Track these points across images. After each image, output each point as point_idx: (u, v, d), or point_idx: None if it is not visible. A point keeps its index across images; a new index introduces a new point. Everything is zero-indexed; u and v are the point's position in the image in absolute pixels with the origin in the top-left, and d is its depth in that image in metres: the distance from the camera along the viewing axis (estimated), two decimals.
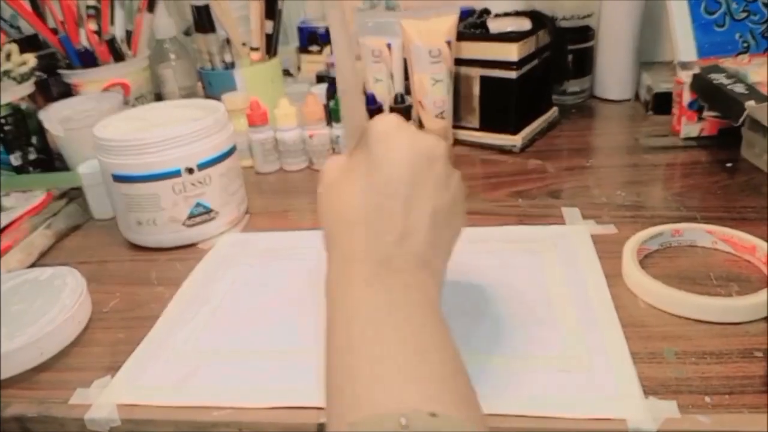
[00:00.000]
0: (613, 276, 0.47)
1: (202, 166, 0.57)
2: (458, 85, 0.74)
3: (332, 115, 0.72)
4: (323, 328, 0.45)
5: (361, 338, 0.30)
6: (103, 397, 0.41)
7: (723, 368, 0.38)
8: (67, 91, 0.82)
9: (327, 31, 0.91)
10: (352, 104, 0.40)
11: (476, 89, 0.74)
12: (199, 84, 0.86)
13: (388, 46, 0.73)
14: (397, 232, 0.34)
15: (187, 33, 1.01)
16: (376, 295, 0.32)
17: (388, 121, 0.36)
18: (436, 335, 0.31)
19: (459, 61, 0.73)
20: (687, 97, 0.68)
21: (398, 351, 0.29)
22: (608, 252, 0.50)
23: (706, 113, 0.67)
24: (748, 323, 0.41)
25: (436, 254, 0.36)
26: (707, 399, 0.36)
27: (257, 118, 0.72)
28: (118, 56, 0.82)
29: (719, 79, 0.64)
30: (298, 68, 0.96)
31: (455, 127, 0.76)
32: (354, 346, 0.30)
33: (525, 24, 0.72)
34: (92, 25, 0.80)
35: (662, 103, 0.77)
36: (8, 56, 0.75)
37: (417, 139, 0.36)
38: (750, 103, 0.57)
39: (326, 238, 0.37)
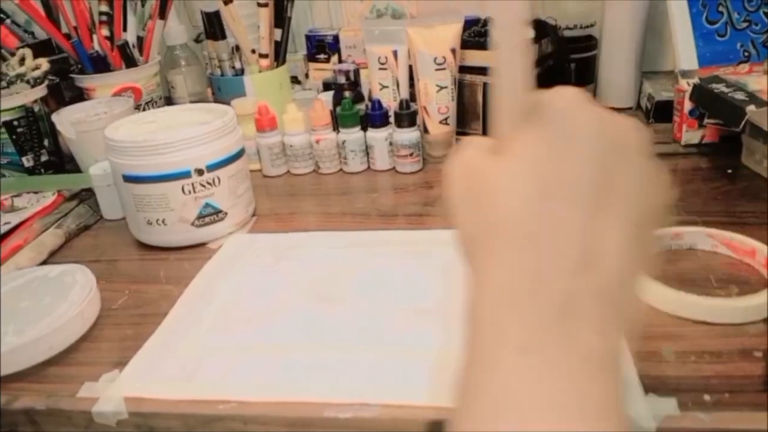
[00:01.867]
0: None
1: (212, 168, 0.58)
2: (463, 92, 0.75)
3: (338, 121, 0.73)
4: (330, 323, 0.46)
5: None
6: (111, 391, 0.41)
7: (722, 367, 0.38)
8: (79, 95, 0.83)
9: (335, 39, 0.92)
10: (510, 62, 0.28)
11: (480, 96, 0.75)
12: (209, 90, 0.87)
13: (394, 53, 0.74)
14: (575, 255, 0.23)
15: (197, 40, 1.03)
16: (537, 377, 0.21)
17: (569, 95, 0.26)
18: None
19: (463, 69, 0.74)
20: (688, 104, 0.69)
21: None
22: None
23: (706, 121, 0.68)
24: (748, 324, 0.42)
25: (630, 287, 0.24)
26: (707, 397, 0.36)
27: (265, 123, 0.73)
28: (130, 62, 0.83)
29: (719, 88, 0.64)
30: (306, 75, 0.98)
31: (459, 133, 0.77)
32: None
33: (529, 32, 0.73)
34: (105, 31, 0.82)
35: (663, 111, 0.78)
36: (22, 60, 0.77)
37: (609, 121, 0.25)
38: (750, 108, 0.58)
39: (466, 249, 0.27)
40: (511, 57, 0.28)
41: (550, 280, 0.23)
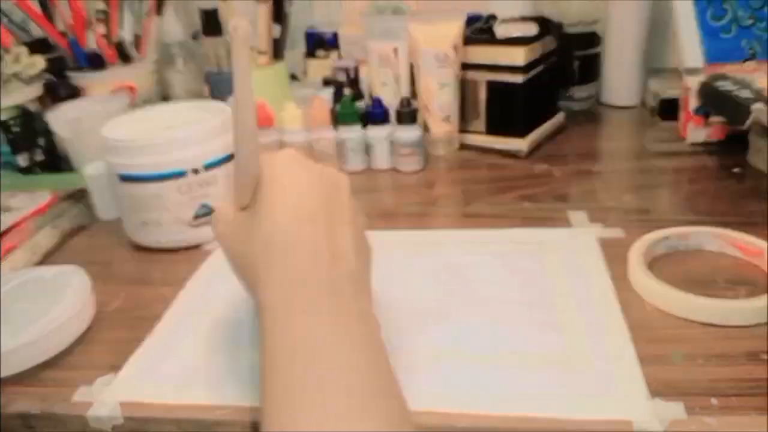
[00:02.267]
0: (620, 279, 0.47)
1: (208, 167, 0.57)
2: (465, 90, 0.74)
3: (338, 119, 0.72)
4: None
5: (303, 381, 0.28)
6: (106, 395, 0.41)
7: (730, 370, 0.38)
8: (75, 93, 0.83)
9: (334, 36, 0.91)
10: (248, 152, 0.35)
11: (483, 94, 0.74)
12: (206, 87, 0.87)
13: (395, 50, 0.73)
14: (328, 253, 0.33)
15: (194, 37, 1.02)
16: (319, 327, 0.30)
17: (286, 154, 0.36)
18: (382, 379, 0.30)
19: (466, 66, 0.73)
20: (693, 102, 0.68)
21: (343, 401, 0.28)
22: (615, 255, 0.50)
23: (712, 118, 0.67)
24: (755, 326, 0.41)
25: (366, 275, 0.36)
26: (714, 401, 0.35)
27: (264, 121, 0.72)
28: (126, 59, 0.82)
29: (725, 86, 0.64)
30: (305, 72, 0.97)
31: (462, 131, 0.76)
32: (295, 391, 0.28)
33: (531, 29, 0.72)
34: (101, 29, 0.81)
35: (669, 109, 0.77)
36: (18, 58, 0.76)
37: (320, 168, 0.36)
38: (756, 106, 0.57)
39: (247, 272, 0.35)
40: (245, 143, 0.35)
41: (316, 270, 0.32)
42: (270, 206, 0.34)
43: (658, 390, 0.36)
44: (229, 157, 0.59)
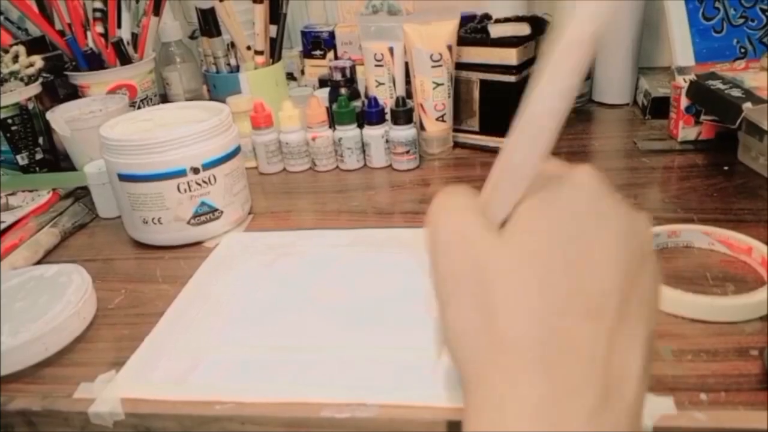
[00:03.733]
0: None
1: (207, 166, 0.57)
2: (459, 89, 0.75)
3: (334, 118, 0.73)
4: (326, 322, 0.46)
5: None
6: (107, 392, 0.41)
7: (719, 366, 0.38)
8: (74, 93, 0.83)
9: (330, 35, 0.92)
10: (534, 139, 0.24)
11: (476, 93, 0.74)
12: (204, 87, 0.87)
13: (390, 50, 0.74)
14: (598, 388, 0.20)
15: (192, 36, 1.02)
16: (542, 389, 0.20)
17: (589, 177, 0.24)
18: None
19: (460, 65, 0.74)
20: (684, 101, 0.69)
21: None
22: None
23: (703, 117, 0.68)
24: (744, 322, 0.42)
25: (641, 413, 0.22)
26: (703, 396, 0.36)
27: (261, 120, 0.73)
28: (125, 59, 0.82)
29: (716, 84, 0.64)
30: (302, 72, 0.97)
31: (455, 130, 0.77)
32: None
33: (525, 29, 0.73)
34: (99, 28, 0.81)
35: (660, 107, 0.78)
36: (15, 58, 0.76)
37: (628, 219, 0.23)
38: (746, 105, 0.58)
39: (461, 354, 0.23)
40: (549, 117, 0.24)
41: (571, 417, 0.20)
42: (532, 264, 0.22)
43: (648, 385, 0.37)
44: (227, 157, 0.60)
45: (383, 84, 0.76)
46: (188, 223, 0.58)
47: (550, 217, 0.22)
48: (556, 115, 0.23)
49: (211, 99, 0.81)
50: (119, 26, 0.83)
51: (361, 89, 0.80)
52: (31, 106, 0.75)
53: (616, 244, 0.21)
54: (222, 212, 0.60)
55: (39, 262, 0.59)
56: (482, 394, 0.22)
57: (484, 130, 0.76)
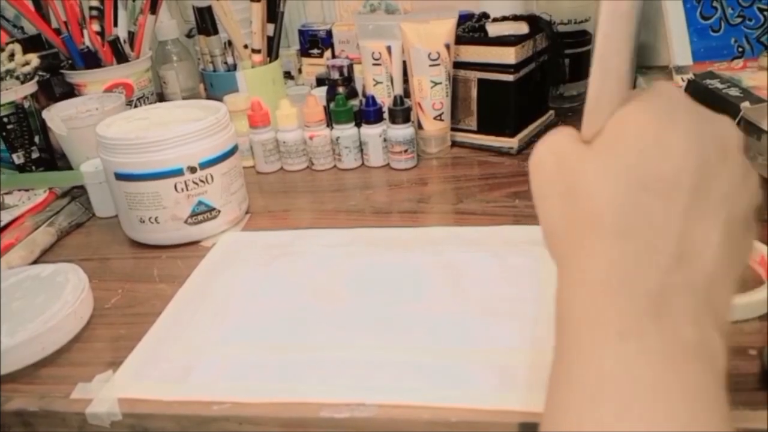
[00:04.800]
0: None
1: (204, 165, 0.57)
2: (457, 88, 0.75)
3: (332, 117, 0.73)
4: (324, 322, 0.46)
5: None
6: (105, 392, 0.41)
7: None
8: (70, 91, 0.83)
9: (328, 34, 0.92)
10: (614, 65, 0.26)
11: (474, 92, 0.74)
12: (201, 85, 0.87)
13: (388, 48, 0.74)
14: (671, 250, 0.22)
15: (189, 35, 1.02)
16: (637, 362, 0.21)
17: (671, 87, 0.26)
18: None
19: (458, 64, 0.74)
20: None
21: None
22: None
23: None
24: (743, 322, 0.42)
25: (724, 287, 0.24)
26: None
27: (258, 119, 0.73)
28: (121, 57, 0.82)
29: (714, 84, 0.64)
30: (299, 70, 0.97)
31: (453, 129, 0.77)
32: None
33: (523, 28, 0.73)
34: (95, 26, 0.81)
35: None
36: (11, 56, 0.76)
37: (707, 119, 0.25)
38: (745, 105, 0.58)
39: (553, 241, 0.26)
40: (618, 42, 0.26)
41: (645, 273, 0.22)
42: (619, 154, 0.24)
43: None
44: (224, 156, 0.59)
45: (381, 83, 0.76)
46: (185, 222, 0.58)
47: (629, 119, 0.24)
48: (622, 38, 0.26)
49: (208, 98, 0.81)
50: (116, 24, 0.83)
51: (359, 88, 0.80)
52: (27, 104, 0.75)
53: (694, 133, 0.23)
54: (219, 211, 0.60)
55: (35, 262, 0.59)
56: (567, 271, 0.25)
57: (482, 129, 0.76)
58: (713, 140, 0.24)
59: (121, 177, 0.57)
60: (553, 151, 0.26)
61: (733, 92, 0.61)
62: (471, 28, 0.75)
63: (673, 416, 0.20)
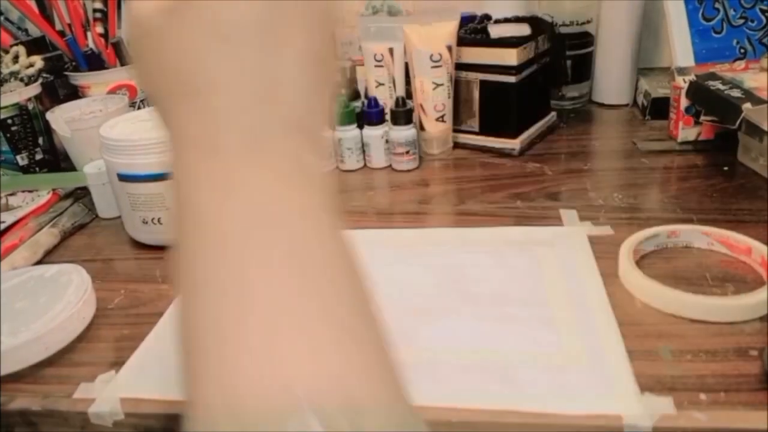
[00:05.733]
0: (610, 276, 0.48)
1: None
2: (458, 89, 0.75)
3: (334, 119, 0.73)
4: None
5: (228, 274, 0.21)
6: (107, 391, 0.41)
7: (718, 366, 0.38)
8: (74, 93, 0.83)
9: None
10: None
11: (476, 93, 0.74)
12: None
13: (390, 50, 0.74)
14: (255, 92, 0.23)
15: None
16: (242, 193, 0.22)
17: None
18: (337, 273, 0.23)
19: (460, 66, 0.74)
20: (684, 102, 0.69)
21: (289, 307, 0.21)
22: (605, 253, 0.50)
23: (703, 118, 0.68)
24: (744, 322, 0.42)
25: (313, 117, 0.25)
26: (703, 396, 0.36)
27: None
28: (125, 59, 0.82)
29: (716, 85, 0.64)
30: None
31: (455, 130, 0.77)
32: (226, 288, 0.21)
33: (525, 29, 0.73)
34: (99, 28, 0.81)
35: (659, 108, 0.78)
36: (16, 58, 0.76)
37: None
38: (746, 106, 0.58)
39: (154, 102, 0.26)
40: None
41: (236, 118, 0.23)
42: (191, 8, 0.23)
43: (647, 385, 0.37)
44: None
45: (383, 84, 0.76)
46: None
47: None
48: None
49: None
50: (119, 26, 0.83)
51: (361, 90, 0.80)
52: (31, 106, 0.75)
53: None
54: None
55: (39, 263, 0.59)
56: (166, 121, 0.25)
57: (484, 130, 0.76)
58: None
59: (124, 178, 0.57)
60: (138, 11, 0.25)
61: (735, 93, 0.61)
62: (473, 30, 0.75)
63: (284, 257, 0.22)
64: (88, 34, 0.81)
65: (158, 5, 0.23)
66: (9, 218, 0.63)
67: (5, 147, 0.74)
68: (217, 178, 0.23)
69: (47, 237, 0.62)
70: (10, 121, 0.73)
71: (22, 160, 0.75)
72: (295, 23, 0.24)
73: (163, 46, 0.24)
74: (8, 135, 0.74)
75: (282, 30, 0.23)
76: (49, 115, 0.72)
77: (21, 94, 0.74)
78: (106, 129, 0.59)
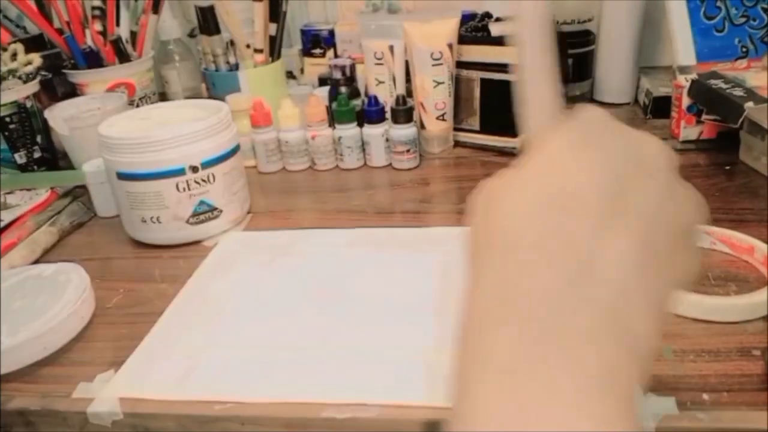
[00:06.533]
0: None
1: (206, 165, 0.57)
2: (459, 88, 0.75)
3: (334, 117, 0.73)
4: (327, 322, 0.46)
5: None
6: (106, 391, 0.41)
7: (721, 366, 0.38)
8: (72, 91, 0.83)
9: (330, 34, 0.91)
10: (535, 83, 0.26)
11: (477, 91, 0.74)
12: (203, 85, 0.87)
13: (391, 48, 0.74)
14: (570, 266, 0.20)
15: (191, 34, 1.02)
16: (520, 402, 0.18)
17: (595, 111, 0.24)
18: None
19: (460, 64, 0.74)
20: (686, 100, 0.69)
21: None
22: None
23: (704, 117, 0.68)
24: (746, 322, 0.42)
25: (638, 309, 0.20)
26: (705, 396, 0.36)
27: (261, 119, 0.73)
28: (123, 57, 0.82)
29: (717, 84, 0.64)
30: (301, 70, 0.97)
31: (456, 129, 0.77)
32: None
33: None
34: (97, 26, 0.81)
35: (661, 106, 0.78)
36: (14, 56, 0.76)
37: (632, 139, 0.24)
38: (749, 105, 0.58)
39: (468, 262, 0.25)
40: (534, 51, 0.27)
41: (541, 282, 0.20)
42: (531, 174, 0.23)
43: (650, 385, 0.37)
44: (226, 156, 0.59)
45: (383, 82, 0.76)
46: (187, 222, 0.58)
47: (548, 142, 0.23)
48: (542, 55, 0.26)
49: (210, 97, 0.81)
50: (118, 24, 0.83)
51: (361, 88, 0.79)
52: (29, 104, 0.75)
53: (611, 150, 0.22)
54: (221, 211, 0.60)
55: (37, 261, 0.59)
56: (469, 280, 0.24)
57: (484, 129, 0.76)
58: (634, 158, 0.23)
59: (123, 177, 0.57)
60: (486, 187, 0.25)
61: (737, 92, 0.61)
62: (474, 28, 0.75)
63: None
64: (87, 31, 0.81)
65: (506, 177, 0.23)
66: (7, 217, 0.62)
67: (3, 145, 0.74)
68: (496, 359, 0.20)
69: (46, 236, 0.62)
70: (8, 120, 0.73)
71: (20, 158, 0.75)
72: (644, 203, 0.22)
73: (497, 200, 0.23)
74: (6, 133, 0.73)
75: (626, 207, 0.21)
76: (47, 113, 0.72)
77: (19, 92, 0.74)
78: (104, 127, 0.59)
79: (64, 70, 0.82)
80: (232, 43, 0.80)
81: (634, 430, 0.18)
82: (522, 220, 0.21)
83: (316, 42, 0.93)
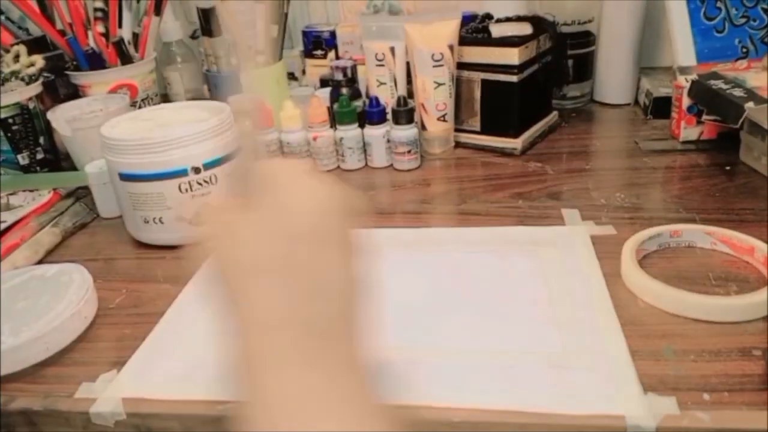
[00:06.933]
0: (612, 276, 0.48)
1: (208, 166, 0.57)
2: (460, 89, 0.75)
3: (336, 118, 0.73)
4: None
5: None
6: (109, 391, 0.41)
7: (722, 366, 0.38)
8: (75, 92, 0.83)
9: (332, 35, 0.92)
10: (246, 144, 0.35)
11: (478, 93, 0.74)
12: (205, 86, 0.87)
13: (392, 49, 0.74)
14: (312, 284, 0.28)
15: (193, 36, 1.02)
16: (308, 378, 0.26)
17: (289, 169, 0.32)
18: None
19: (461, 65, 0.74)
20: (686, 101, 0.69)
21: None
22: (607, 252, 0.50)
23: (705, 117, 0.68)
24: (747, 322, 0.42)
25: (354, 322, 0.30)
26: (706, 396, 0.36)
27: (263, 121, 0.73)
28: (125, 58, 0.82)
29: (718, 84, 0.64)
30: (303, 72, 0.97)
31: (457, 130, 0.77)
32: None
33: (526, 29, 0.73)
34: (100, 28, 0.81)
35: (661, 107, 0.78)
36: (16, 57, 0.76)
37: (332, 187, 0.31)
38: (749, 105, 0.58)
39: (225, 291, 0.32)
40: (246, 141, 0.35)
41: (296, 305, 0.28)
42: (259, 218, 0.30)
43: (651, 385, 0.37)
44: (228, 157, 0.59)
45: (384, 84, 0.76)
46: (190, 222, 0.58)
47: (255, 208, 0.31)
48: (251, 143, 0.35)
49: (211, 98, 0.81)
50: (120, 26, 0.83)
51: (363, 89, 0.80)
52: (32, 105, 0.75)
53: (320, 195, 0.30)
54: None
55: (40, 262, 0.59)
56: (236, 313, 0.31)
57: (485, 130, 0.76)
58: (337, 202, 0.31)
59: (125, 177, 0.57)
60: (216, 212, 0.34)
61: (737, 93, 0.61)
62: (474, 29, 0.75)
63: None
64: (89, 33, 0.81)
65: (230, 213, 0.32)
66: (10, 218, 0.63)
67: (6, 146, 0.74)
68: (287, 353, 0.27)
69: (48, 236, 0.62)
70: (11, 121, 0.73)
71: (23, 159, 0.75)
72: (342, 242, 0.31)
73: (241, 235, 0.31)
74: (9, 134, 0.73)
75: (331, 239, 0.30)
76: (50, 115, 0.72)
77: (22, 93, 0.74)
78: (107, 128, 0.59)
79: (67, 72, 0.82)
80: (233, 44, 0.80)
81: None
82: (266, 247, 0.29)
83: (318, 43, 0.93)
